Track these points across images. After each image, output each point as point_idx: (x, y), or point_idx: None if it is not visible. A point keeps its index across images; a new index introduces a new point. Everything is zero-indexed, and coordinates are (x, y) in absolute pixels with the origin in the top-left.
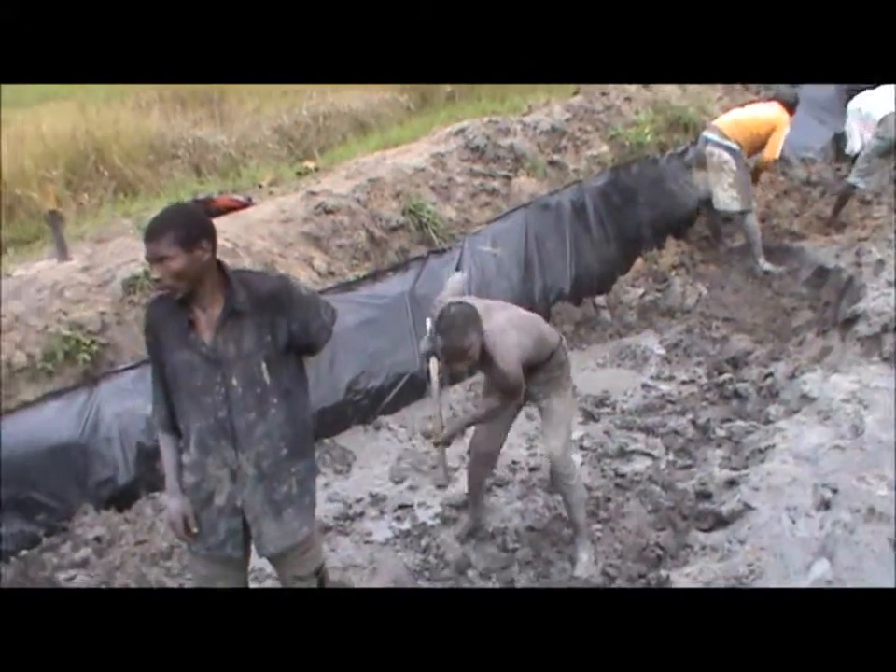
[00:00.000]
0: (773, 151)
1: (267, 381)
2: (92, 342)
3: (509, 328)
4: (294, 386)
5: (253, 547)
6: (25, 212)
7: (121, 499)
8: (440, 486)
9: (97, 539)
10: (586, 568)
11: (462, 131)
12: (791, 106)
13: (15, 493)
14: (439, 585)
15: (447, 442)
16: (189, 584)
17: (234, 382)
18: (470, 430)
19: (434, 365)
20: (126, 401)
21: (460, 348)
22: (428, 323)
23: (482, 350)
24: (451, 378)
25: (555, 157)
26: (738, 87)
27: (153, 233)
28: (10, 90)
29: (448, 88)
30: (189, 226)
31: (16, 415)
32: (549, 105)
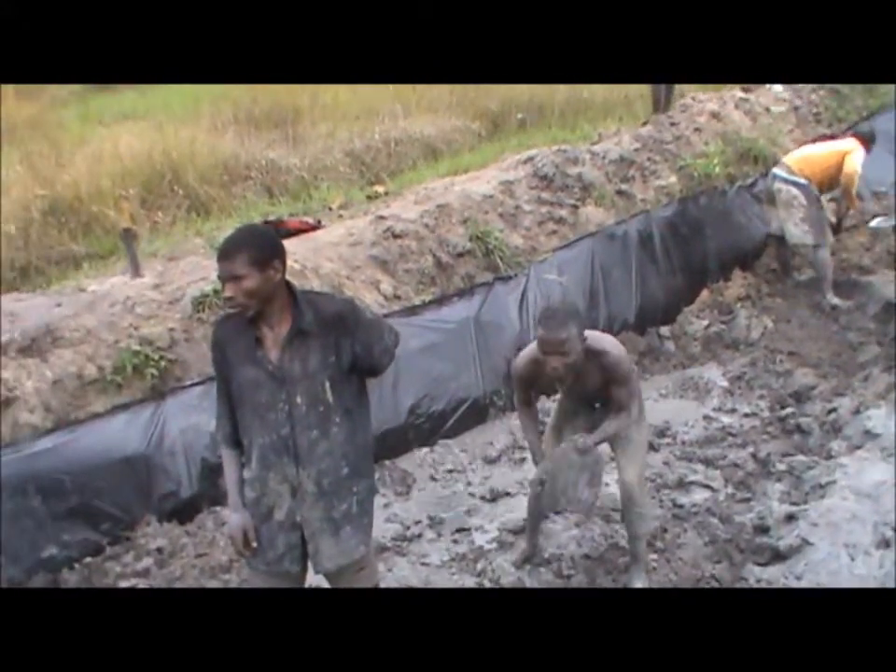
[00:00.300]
0: (851, 167)
1: (330, 400)
2: (161, 357)
3: (618, 350)
4: (356, 407)
5: (310, 563)
6: (101, 228)
7: (183, 512)
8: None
9: (159, 549)
10: None
11: (531, 159)
12: (866, 141)
13: (82, 501)
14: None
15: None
16: None
17: (298, 400)
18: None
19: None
20: (191, 417)
21: (557, 340)
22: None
23: (588, 359)
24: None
25: (623, 186)
26: (810, 120)
27: (228, 253)
28: (93, 106)
29: (519, 115)
30: (262, 246)
31: (85, 426)
32: (618, 134)
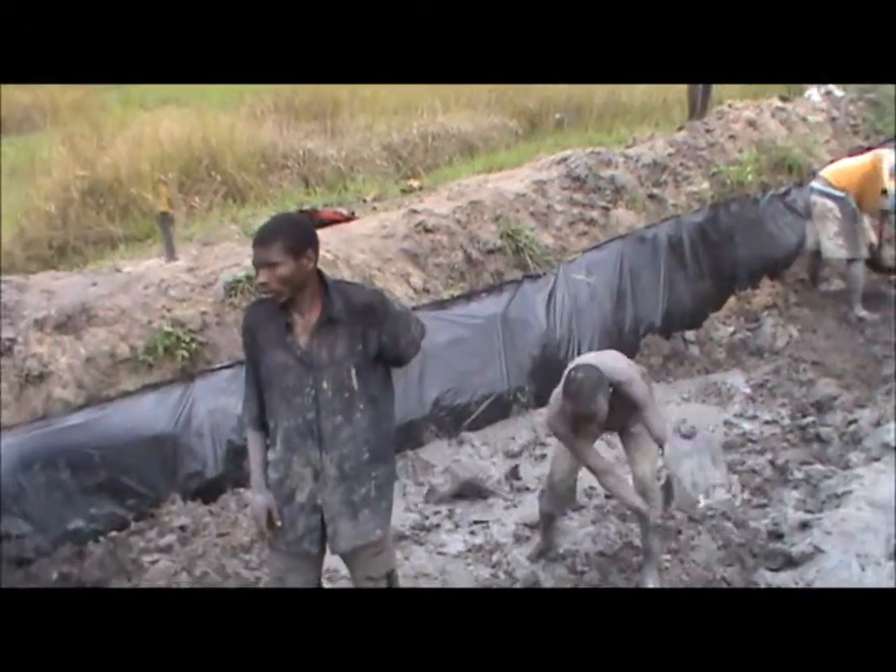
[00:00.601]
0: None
1: (355, 387)
2: (192, 339)
3: (622, 364)
4: (380, 395)
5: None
6: (139, 211)
7: (208, 492)
8: None
9: (182, 527)
10: None
11: (565, 160)
12: None
13: (109, 477)
14: None
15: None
16: (265, 578)
17: (325, 385)
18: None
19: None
20: (220, 399)
21: (589, 412)
22: None
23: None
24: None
25: (655, 191)
26: (847, 131)
27: (263, 240)
28: (135, 91)
29: (557, 115)
30: (297, 235)
31: (116, 404)
32: (653, 138)
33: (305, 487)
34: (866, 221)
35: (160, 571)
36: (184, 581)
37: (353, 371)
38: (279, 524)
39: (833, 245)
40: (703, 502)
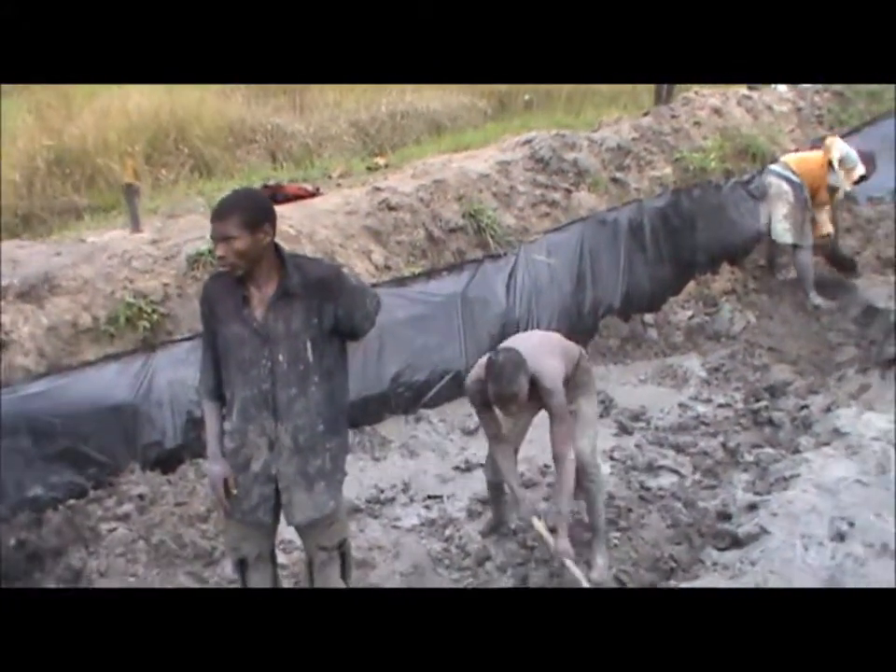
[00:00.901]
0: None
1: (311, 360)
2: (154, 311)
3: (543, 356)
4: (335, 368)
5: (282, 516)
6: (105, 182)
7: (167, 462)
8: None
9: (140, 496)
10: (601, 573)
11: (529, 141)
12: (867, 161)
13: (69, 445)
14: (456, 575)
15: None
16: (221, 548)
17: (280, 357)
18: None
19: (541, 525)
20: (180, 370)
21: (511, 394)
22: (539, 526)
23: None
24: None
25: (618, 174)
26: (812, 121)
27: (221, 214)
28: None
29: (526, 96)
30: (254, 210)
31: (77, 373)
32: (619, 122)
33: (260, 457)
34: (825, 214)
35: (117, 539)
36: (140, 549)
37: (308, 345)
38: (235, 492)
39: (781, 229)
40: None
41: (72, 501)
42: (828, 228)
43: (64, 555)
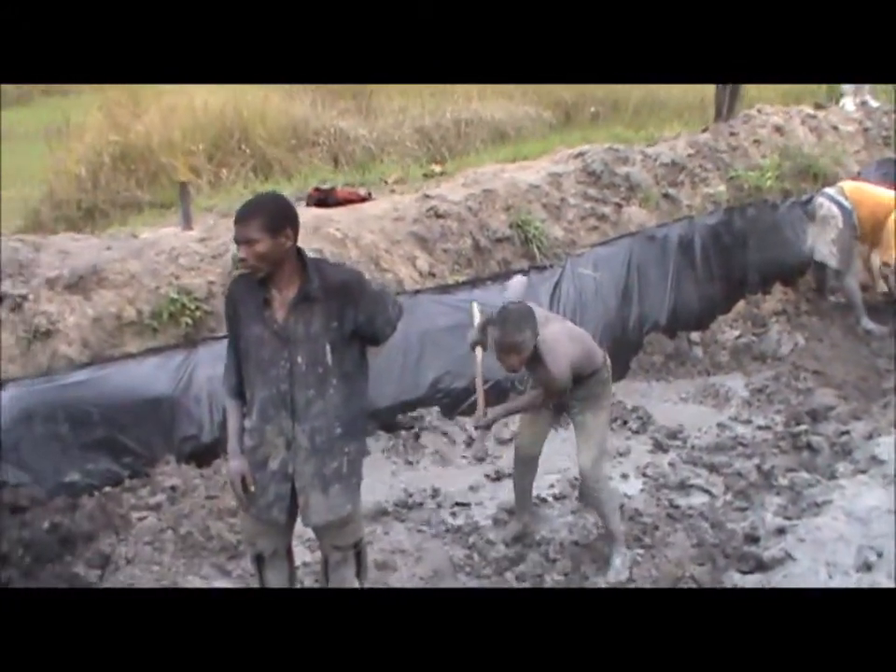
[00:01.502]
0: (888, 250)
1: (329, 362)
2: (197, 307)
3: (562, 336)
4: (354, 372)
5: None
6: (167, 179)
7: (201, 456)
8: (478, 459)
9: (173, 487)
10: (617, 573)
11: (582, 154)
12: None
13: (107, 434)
14: (475, 582)
15: (487, 426)
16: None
17: (299, 359)
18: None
19: (479, 354)
20: (219, 367)
21: (513, 342)
22: (476, 315)
23: (534, 351)
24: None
25: (671, 190)
26: (879, 143)
27: (243, 217)
28: None
29: (592, 109)
30: (276, 214)
31: (118, 364)
32: (676, 138)
33: (278, 456)
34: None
35: (146, 528)
36: (168, 539)
37: (327, 348)
38: (252, 489)
39: (827, 251)
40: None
41: (107, 489)
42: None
43: (95, 541)
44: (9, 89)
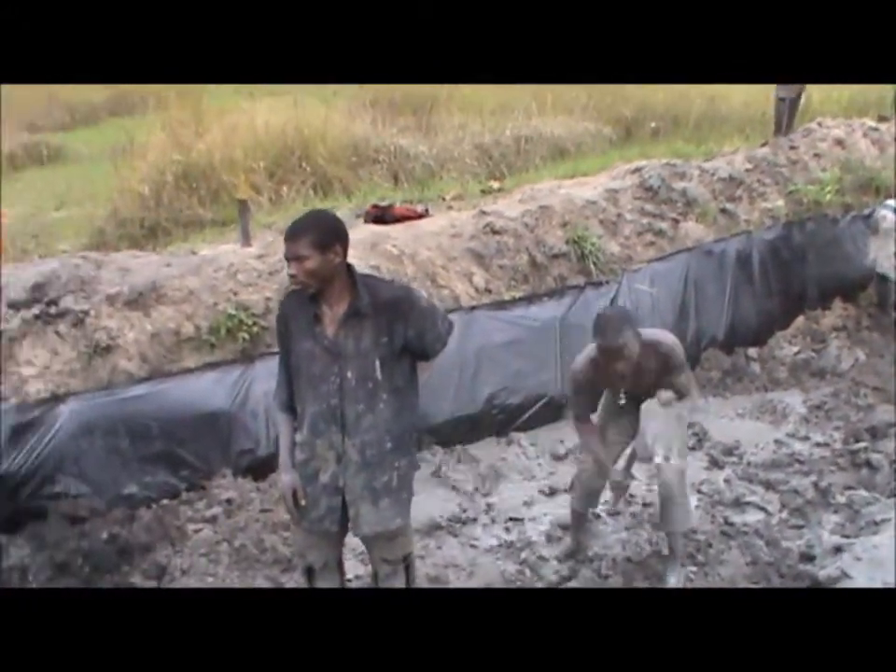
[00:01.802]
0: None
1: (379, 377)
2: (254, 323)
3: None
4: (405, 387)
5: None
6: (229, 196)
7: (258, 470)
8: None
9: (228, 500)
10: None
11: (639, 169)
12: None
13: (165, 448)
14: None
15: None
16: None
17: (349, 374)
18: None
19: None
20: (275, 382)
21: (616, 347)
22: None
23: (651, 355)
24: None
25: (728, 205)
26: None
27: (293, 234)
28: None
29: (653, 124)
30: (325, 231)
31: (177, 378)
32: (735, 153)
33: (328, 469)
34: None
35: (202, 540)
36: (223, 551)
37: (377, 363)
38: (303, 502)
39: (889, 264)
40: (658, 459)
41: (164, 501)
42: None
43: (152, 552)
44: (78, 109)
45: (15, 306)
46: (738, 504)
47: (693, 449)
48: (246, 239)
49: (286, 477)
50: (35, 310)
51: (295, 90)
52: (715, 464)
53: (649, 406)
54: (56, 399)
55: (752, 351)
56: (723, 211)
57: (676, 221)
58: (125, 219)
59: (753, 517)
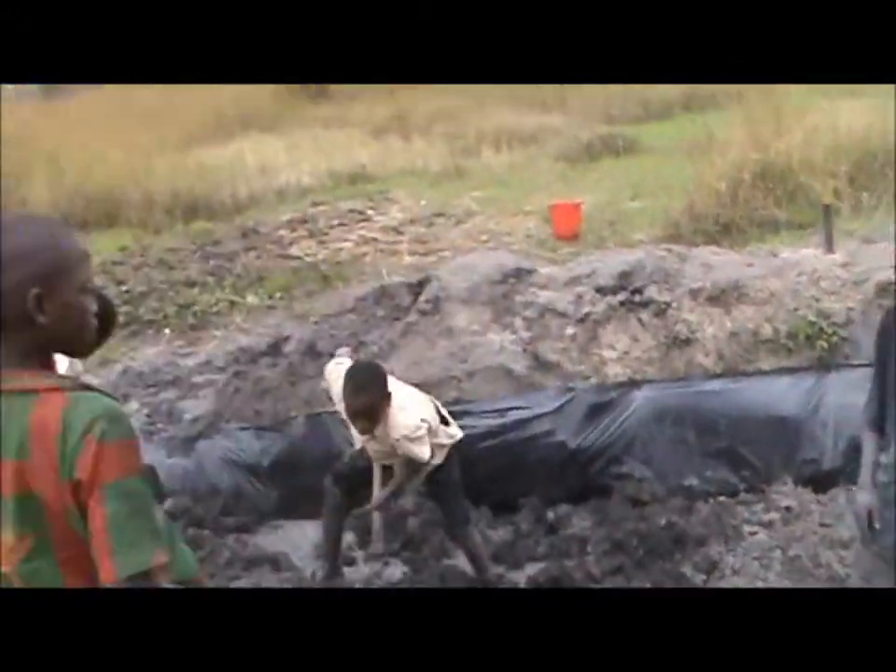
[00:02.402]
0: None
1: None
2: (834, 332)
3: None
4: None
5: None
6: (805, 199)
7: (820, 482)
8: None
9: (787, 508)
10: None
11: None
12: None
13: (730, 445)
14: None
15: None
16: (854, 577)
17: None
18: None
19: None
20: (850, 395)
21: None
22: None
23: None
24: None
25: None
26: None
27: None
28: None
29: None
30: None
31: (750, 379)
32: None
33: None
34: None
35: (756, 543)
36: (776, 558)
37: None
38: (878, 525)
39: None
40: None
41: (722, 498)
42: None
43: (705, 546)
44: (651, 103)
45: (602, 291)
46: None
47: None
48: (830, 245)
49: (862, 496)
50: (621, 297)
51: (880, 91)
52: None
53: None
54: (633, 383)
55: None
56: None
57: None
58: (700, 214)
59: None
